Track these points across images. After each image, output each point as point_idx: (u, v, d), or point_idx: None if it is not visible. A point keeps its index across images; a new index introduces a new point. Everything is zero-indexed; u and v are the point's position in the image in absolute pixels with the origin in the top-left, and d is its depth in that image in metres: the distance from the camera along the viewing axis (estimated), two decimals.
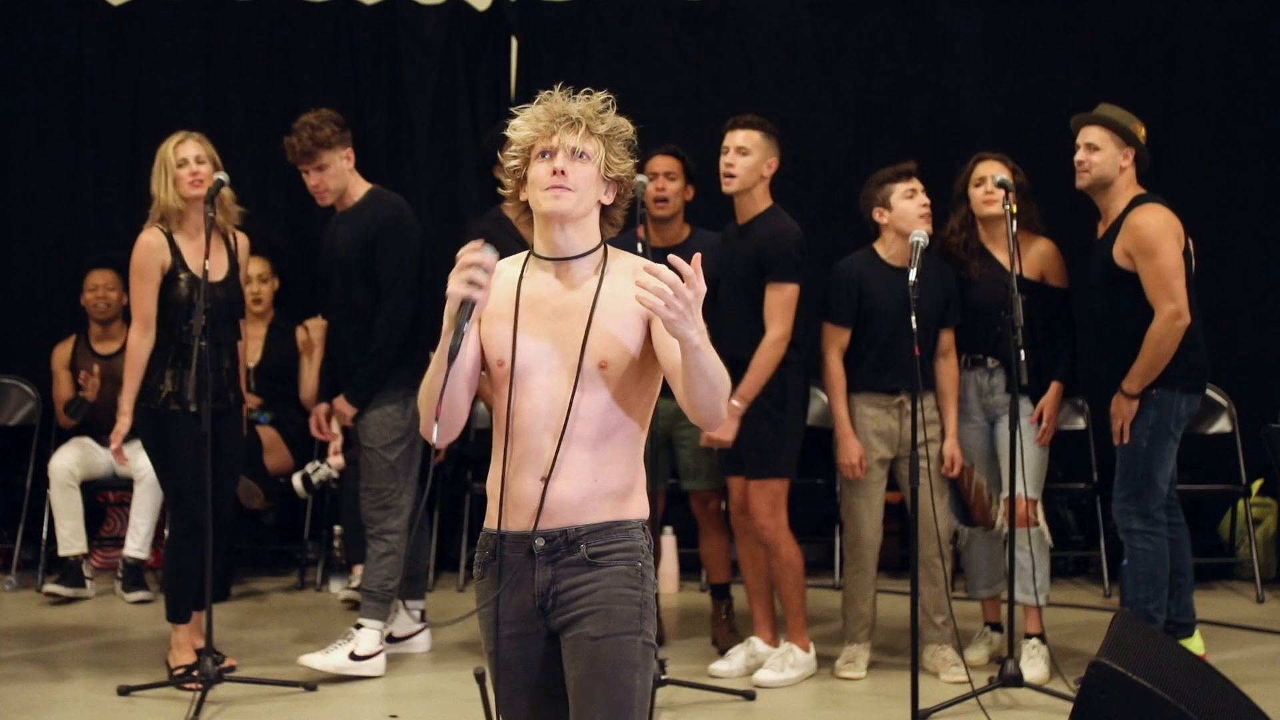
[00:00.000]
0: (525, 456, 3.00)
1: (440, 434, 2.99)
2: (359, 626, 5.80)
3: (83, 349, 7.45)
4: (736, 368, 5.73)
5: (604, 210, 3.08)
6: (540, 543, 2.99)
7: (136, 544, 7.09)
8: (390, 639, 6.00)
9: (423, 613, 6.12)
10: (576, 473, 2.98)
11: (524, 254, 3.11)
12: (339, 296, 5.98)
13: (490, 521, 3.07)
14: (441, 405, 2.96)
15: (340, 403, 5.87)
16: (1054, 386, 5.84)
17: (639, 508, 3.06)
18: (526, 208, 3.09)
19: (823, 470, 6.35)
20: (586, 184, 3.01)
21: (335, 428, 6.18)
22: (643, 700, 3.01)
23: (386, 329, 5.78)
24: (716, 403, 2.91)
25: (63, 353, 7.49)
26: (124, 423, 5.73)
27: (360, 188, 5.90)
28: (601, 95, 3.06)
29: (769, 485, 5.71)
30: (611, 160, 3.03)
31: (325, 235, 6.03)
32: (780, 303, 5.64)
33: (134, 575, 7.10)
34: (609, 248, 3.08)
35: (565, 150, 2.99)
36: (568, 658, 3.00)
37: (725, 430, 5.64)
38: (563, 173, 2.98)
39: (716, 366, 2.86)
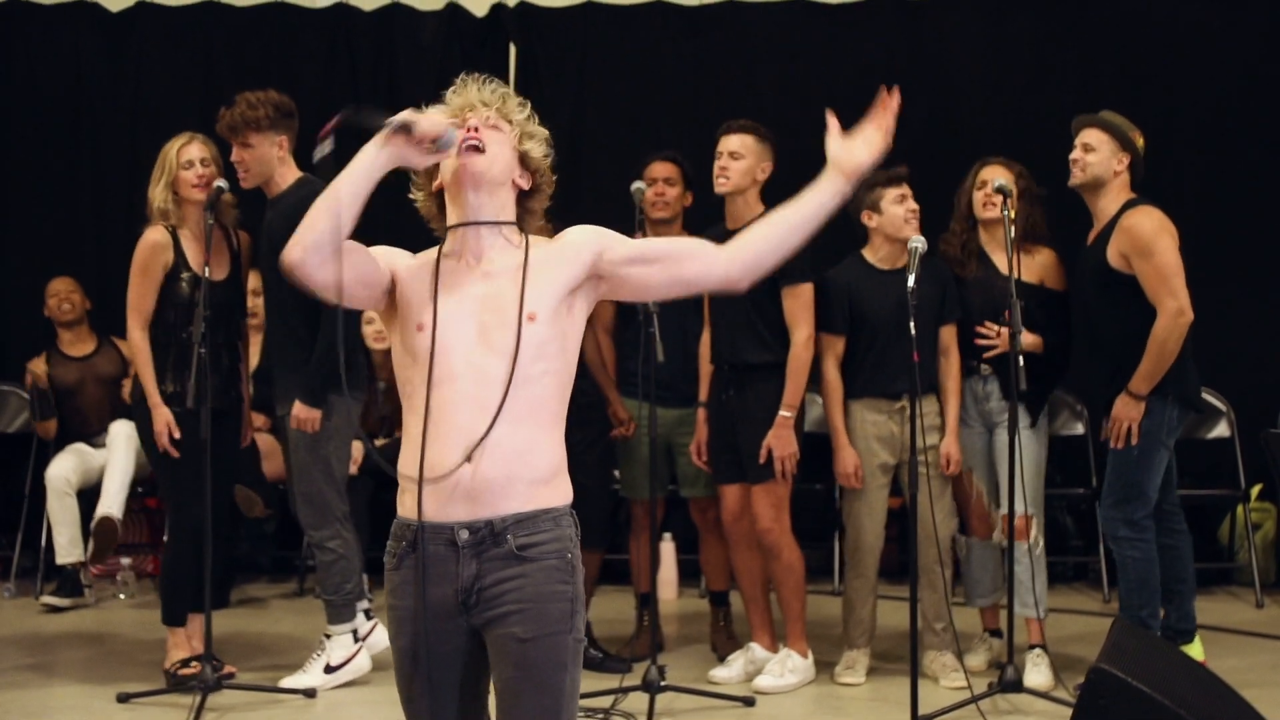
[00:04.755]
0: (446, 433, 2.84)
1: (311, 252, 2.80)
2: (328, 636, 5.78)
3: (56, 358, 7.48)
4: (743, 372, 5.78)
5: (521, 197, 3.01)
6: (465, 535, 2.85)
7: (108, 502, 6.91)
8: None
9: (368, 612, 5.95)
10: (502, 452, 2.83)
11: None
12: (269, 286, 5.80)
13: (406, 510, 2.90)
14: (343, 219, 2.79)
15: (300, 409, 5.57)
16: (1036, 338, 5.74)
17: (564, 492, 2.91)
18: (439, 204, 3.01)
19: (822, 476, 6.37)
20: (499, 149, 2.94)
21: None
22: (571, 699, 2.91)
23: (332, 324, 5.47)
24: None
25: (37, 366, 7.49)
26: (160, 414, 5.60)
27: (290, 177, 5.69)
28: (519, 98, 3.03)
29: (773, 489, 5.72)
30: (526, 142, 2.98)
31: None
32: (801, 304, 5.70)
33: (102, 539, 6.80)
34: (530, 237, 2.98)
35: (480, 119, 2.95)
36: (494, 657, 2.89)
37: (785, 443, 5.68)
38: (475, 129, 2.92)
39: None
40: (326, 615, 5.80)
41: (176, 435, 5.60)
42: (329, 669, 5.73)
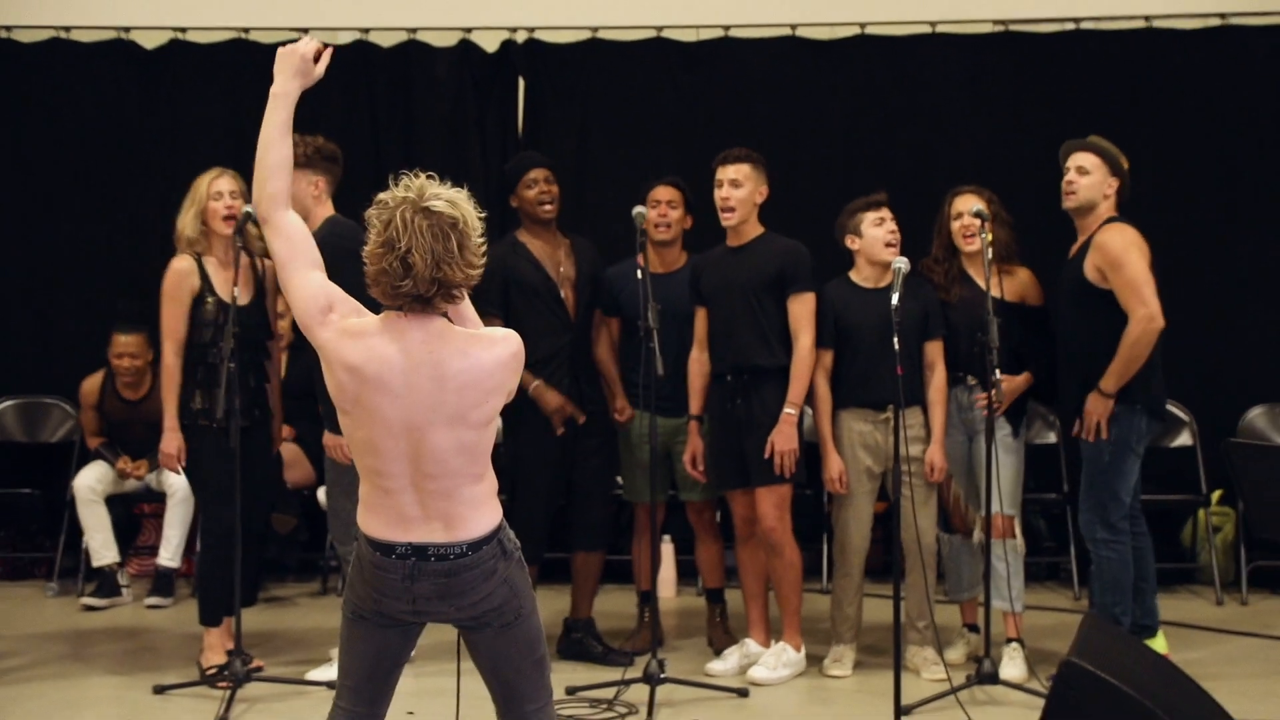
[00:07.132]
0: None
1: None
2: None
3: (110, 393, 7.53)
4: (751, 375, 5.90)
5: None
6: None
7: (169, 553, 7.27)
8: None
9: None
10: None
11: None
12: None
13: None
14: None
15: (329, 438, 5.80)
16: (1025, 375, 5.97)
17: None
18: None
19: (813, 481, 6.42)
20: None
21: None
22: None
23: None
24: None
25: (91, 390, 7.56)
26: (171, 439, 5.86)
27: (321, 215, 5.81)
28: None
29: (777, 490, 5.87)
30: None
31: None
32: (806, 312, 5.90)
33: (163, 582, 7.24)
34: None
35: None
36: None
37: (787, 439, 5.84)
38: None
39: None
40: None
41: (183, 462, 5.88)
42: None
